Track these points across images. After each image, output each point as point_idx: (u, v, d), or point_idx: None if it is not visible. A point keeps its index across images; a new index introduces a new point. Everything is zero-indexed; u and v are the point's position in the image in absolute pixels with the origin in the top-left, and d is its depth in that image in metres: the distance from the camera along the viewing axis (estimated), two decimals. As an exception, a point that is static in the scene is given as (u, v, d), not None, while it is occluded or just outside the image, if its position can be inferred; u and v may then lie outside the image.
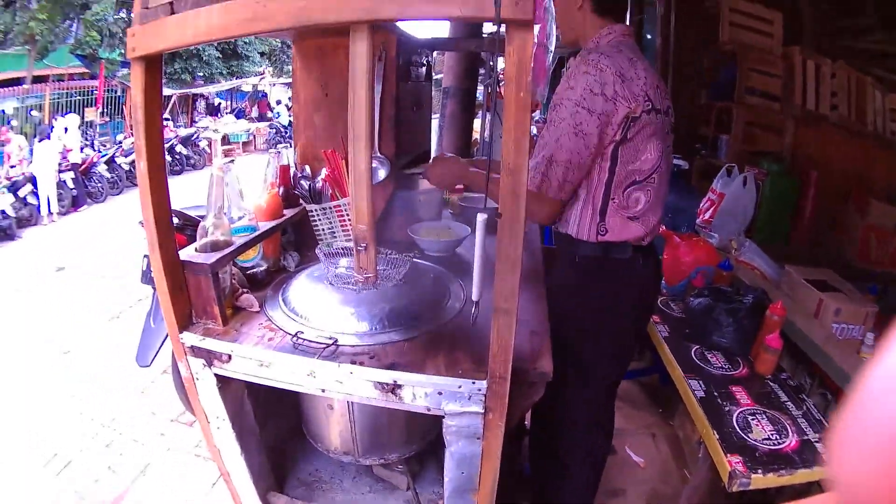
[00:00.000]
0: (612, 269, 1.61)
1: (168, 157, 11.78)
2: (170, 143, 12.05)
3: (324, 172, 1.80)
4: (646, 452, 2.64)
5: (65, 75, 13.86)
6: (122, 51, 14.00)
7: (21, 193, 8.23)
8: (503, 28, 0.93)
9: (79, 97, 13.62)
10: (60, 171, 8.95)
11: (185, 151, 12.69)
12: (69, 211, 9.10)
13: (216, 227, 1.42)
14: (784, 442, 1.73)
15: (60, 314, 4.71)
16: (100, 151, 10.72)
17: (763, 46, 3.44)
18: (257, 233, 1.55)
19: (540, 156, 1.48)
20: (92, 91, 13.92)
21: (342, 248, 1.53)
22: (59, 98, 13.30)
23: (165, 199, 1.33)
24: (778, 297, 2.30)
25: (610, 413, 1.93)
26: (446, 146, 5.14)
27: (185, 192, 3.31)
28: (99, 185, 9.86)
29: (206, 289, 1.37)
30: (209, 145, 13.71)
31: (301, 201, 1.81)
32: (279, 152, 1.79)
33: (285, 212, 1.73)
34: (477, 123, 6.18)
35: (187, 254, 1.39)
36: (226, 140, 14.89)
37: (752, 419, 1.83)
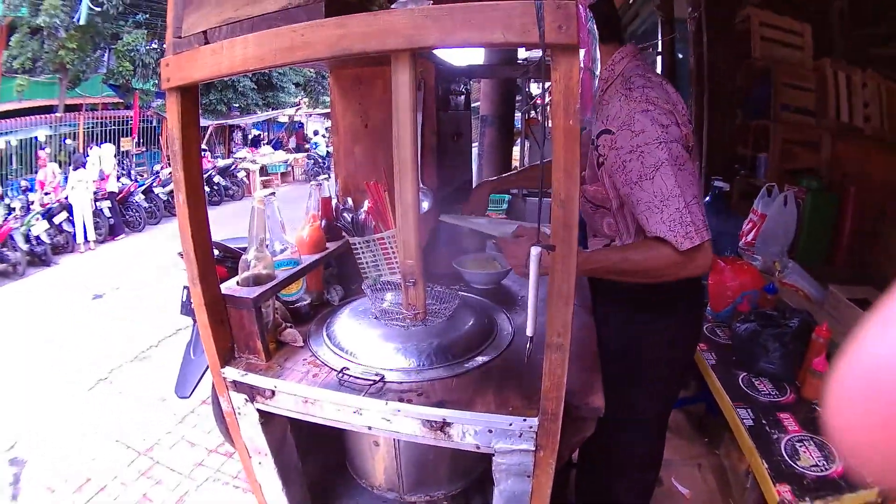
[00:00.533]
0: (659, 300, 1.56)
1: (206, 188, 11.95)
2: (208, 173, 12.22)
3: (366, 204, 1.80)
4: (692, 484, 2.56)
5: (98, 105, 14.19)
6: (156, 81, 14.35)
7: (56, 220, 8.44)
8: (548, 53, 0.91)
9: (113, 127, 13.96)
10: (97, 200, 9.19)
11: (223, 182, 12.92)
12: (107, 239, 9.33)
13: (258, 261, 1.42)
14: (831, 467, 1.67)
15: (99, 341, 4.79)
16: (137, 181, 11.00)
17: (794, 60, 3.36)
18: (300, 266, 1.55)
19: (672, 209, 1.31)
20: (127, 121, 14.26)
21: (388, 283, 1.51)
22: (93, 127, 13.62)
23: (206, 232, 1.34)
24: (823, 319, 2.23)
25: (660, 447, 1.87)
26: (486, 175, 5.13)
27: (224, 222, 3.34)
28: (136, 214, 10.10)
29: (249, 323, 1.37)
30: (247, 176, 13.94)
31: (344, 234, 1.81)
32: (321, 184, 1.79)
33: (328, 245, 1.73)
34: (516, 151, 6.15)
35: (229, 288, 1.40)
36: (264, 171, 15.04)
37: (800, 446, 1.77)
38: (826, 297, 2.44)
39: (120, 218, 9.65)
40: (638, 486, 1.83)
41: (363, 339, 1.40)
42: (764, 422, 1.88)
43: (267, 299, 1.40)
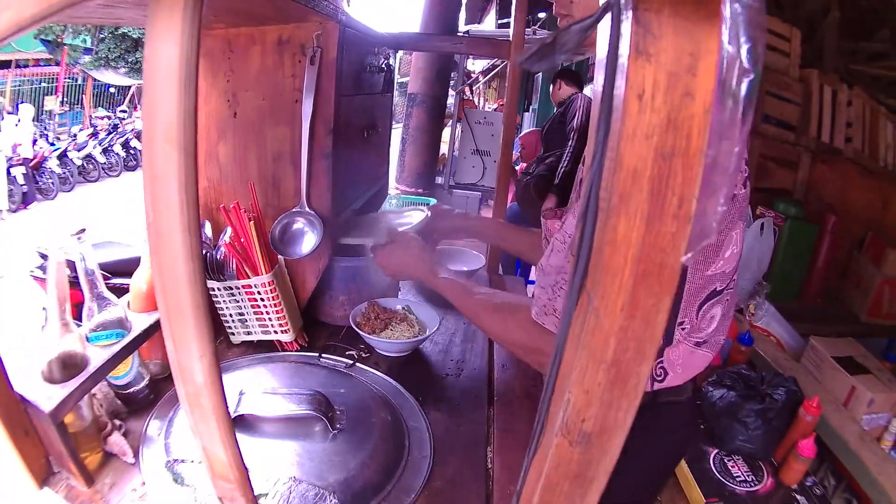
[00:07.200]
0: (663, 417, 1.03)
1: (122, 153, 11.54)
2: (125, 137, 11.76)
3: (228, 233, 1.29)
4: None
5: (29, 61, 13.31)
6: (87, 37, 13.49)
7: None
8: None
9: (43, 84, 13.18)
10: (11, 166, 8.39)
11: (140, 146, 12.19)
12: (19, 208, 8.54)
13: (62, 335, 0.94)
14: None
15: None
16: (53, 145, 10.22)
17: (780, 67, 3.00)
18: (129, 338, 1.05)
19: None
20: (55, 78, 13.42)
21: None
22: (20, 85, 12.78)
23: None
24: (805, 382, 1.90)
25: None
26: (409, 163, 4.65)
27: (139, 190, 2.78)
28: (50, 181, 9.35)
29: (55, 440, 0.91)
30: (167, 139, 13.63)
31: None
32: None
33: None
34: (446, 134, 5.60)
35: (27, 387, 0.89)
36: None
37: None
38: (806, 352, 2.12)
39: (33, 185, 8.88)
40: None
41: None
42: (741, 527, 1.55)
43: (75, 402, 0.93)
